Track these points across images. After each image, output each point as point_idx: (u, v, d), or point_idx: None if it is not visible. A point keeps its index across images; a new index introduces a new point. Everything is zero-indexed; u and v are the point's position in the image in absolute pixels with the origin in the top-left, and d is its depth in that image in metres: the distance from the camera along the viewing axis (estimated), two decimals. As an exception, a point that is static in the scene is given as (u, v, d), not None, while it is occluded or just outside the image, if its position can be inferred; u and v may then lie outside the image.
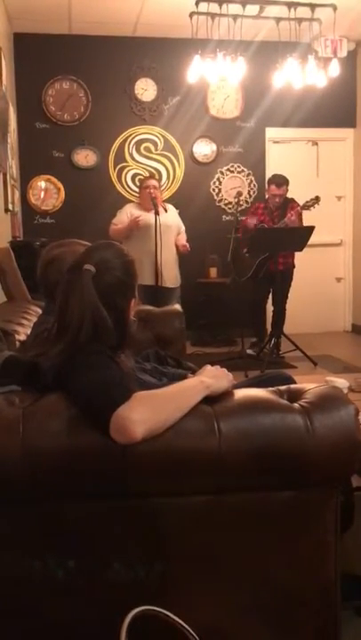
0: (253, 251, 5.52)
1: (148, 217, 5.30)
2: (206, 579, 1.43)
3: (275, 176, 5.89)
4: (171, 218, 5.46)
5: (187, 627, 1.32)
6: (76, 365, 1.46)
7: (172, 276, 5.49)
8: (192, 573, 1.42)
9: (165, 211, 5.38)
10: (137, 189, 6.27)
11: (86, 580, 1.40)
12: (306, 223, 5.56)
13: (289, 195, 5.85)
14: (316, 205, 5.54)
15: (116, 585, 1.39)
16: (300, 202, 5.69)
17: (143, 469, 1.33)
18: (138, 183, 6.28)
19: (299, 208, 5.61)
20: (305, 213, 5.64)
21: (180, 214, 5.76)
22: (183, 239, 5.57)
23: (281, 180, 5.78)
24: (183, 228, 5.67)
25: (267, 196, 5.97)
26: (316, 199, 5.52)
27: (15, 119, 6.13)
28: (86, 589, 1.40)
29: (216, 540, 1.42)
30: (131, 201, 6.10)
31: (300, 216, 5.65)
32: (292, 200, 5.80)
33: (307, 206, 5.56)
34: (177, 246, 5.52)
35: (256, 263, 5.56)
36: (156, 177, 6.45)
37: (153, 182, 5.64)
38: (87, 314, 1.52)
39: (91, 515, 1.38)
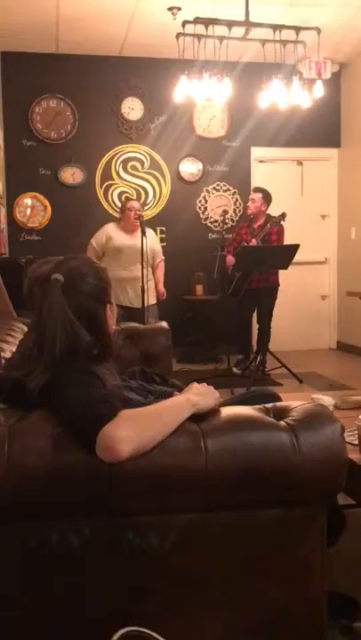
0: (239, 268, 5.55)
1: (127, 239, 5.33)
2: (192, 597, 1.42)
3: (255, 187, 6.20)
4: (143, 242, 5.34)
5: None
6: (61, 384, 1.44)
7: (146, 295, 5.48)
8: (178, 592, 1.41)
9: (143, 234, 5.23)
10: (124, 208, 6.29)
11: (71, 599, 1.38)
12: (291, 241, 5.61)
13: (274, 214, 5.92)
14: (282, 221, 5.68)
15: (101, 609, 1.38)
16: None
17: (129, 488, 1.32)
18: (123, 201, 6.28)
19: (268, 226, 5.72)
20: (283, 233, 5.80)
21: (165, 233, 5.76)
22: (160, 274, 5.53)
23: (258, 188, 6.01)
24: (161, 255, 5.61)
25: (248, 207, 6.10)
26: (283, 215, 5.67)
27: (2, 137, 6.15)
28: (71, 608, 1.38)
29: (203, 559, 1.41)
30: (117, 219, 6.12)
31: (281, 235, 5.76)
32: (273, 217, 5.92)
33: (275, 222, 5.67)
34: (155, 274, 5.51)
35: (235, 279, 5.60)
36: (134, 197, 6.44)
37: (137, 204, 5.66)
38: (59, 325, 1.48)
39: (76, 533, 1.36)
